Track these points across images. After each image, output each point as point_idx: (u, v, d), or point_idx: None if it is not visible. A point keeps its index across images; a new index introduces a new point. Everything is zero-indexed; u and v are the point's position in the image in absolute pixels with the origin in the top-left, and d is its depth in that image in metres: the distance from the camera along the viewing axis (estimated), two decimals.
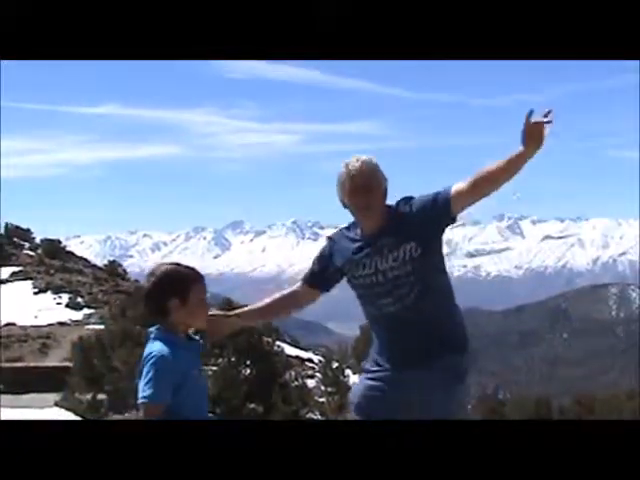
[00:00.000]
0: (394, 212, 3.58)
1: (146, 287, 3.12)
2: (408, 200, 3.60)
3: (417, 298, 3.50)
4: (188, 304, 3.07)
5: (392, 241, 3.50)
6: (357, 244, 3.61)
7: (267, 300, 3.82)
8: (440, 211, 3.51)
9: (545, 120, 3.26)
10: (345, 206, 3.60)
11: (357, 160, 3.53)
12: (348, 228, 3.71)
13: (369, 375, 3.67)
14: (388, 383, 3.56)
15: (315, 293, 3.85)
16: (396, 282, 3.50)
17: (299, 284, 3.84)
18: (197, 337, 3.22)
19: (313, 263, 3.80)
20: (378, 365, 3.63)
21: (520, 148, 3.32)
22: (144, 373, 3.00)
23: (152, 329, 3.11)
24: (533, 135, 3.27)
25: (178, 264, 3.18)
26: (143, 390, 2.98)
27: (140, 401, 2.98)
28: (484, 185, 3.45)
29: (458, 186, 3.48)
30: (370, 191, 3.51)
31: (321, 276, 3.78)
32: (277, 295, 3.84)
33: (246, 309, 3.82)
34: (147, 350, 3.05)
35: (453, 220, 3.54)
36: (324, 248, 3.79)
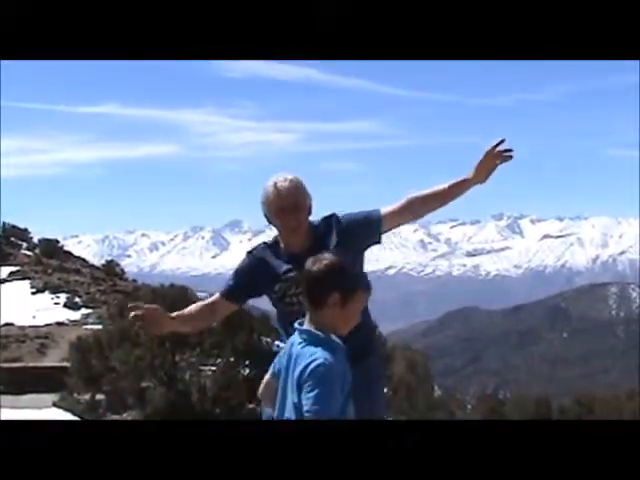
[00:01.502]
0: (318, 230, 3.64)
1: (320, 269, 2.89)
2: (331, 218, 3.67)
3: None
4: (347, 307, 2.89)
5: None
6: (285, 263, 3.62)
7: (191, 308, 3.81)
8: (371, 230, 3.66)
9: (506, 154, 3.58)
10: (270, 222, 3.63)
11: (285, 179, 3.55)
12: (269, 245, 3.72)
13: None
14: None
15: (232, 307, 3.89)
16: None
17: (217, 297, 3.82)
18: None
19: (233, 277, 3.78)
20: None
21: (465, 176, 3.63)
22: (312, 384, 2.73)
23: (302, 327, 2.91)
24: (487, 168, 3.60)
25: None
26: (313, 404, 2.73)
27: (307, 416, 2.75)
28: (417, 208, 3.69)
29: (388, 208, 3.67)
30: (298, 210, 3.55)
31: (241, 291, 3.79)
32: (199, 304, 3.85)
33: (178, 313, 3.78)
34: (310, 355, 2.80)
35: (379, 241, 3.71)
36: (245, 263, 3.77)
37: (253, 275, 3.71)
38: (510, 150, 3.60)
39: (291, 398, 2.86)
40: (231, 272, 3.85)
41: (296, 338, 2.94)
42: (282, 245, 3.67)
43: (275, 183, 3.55)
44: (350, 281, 2.91)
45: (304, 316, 3.04)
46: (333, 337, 2.89)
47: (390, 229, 3.71)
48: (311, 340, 2.86)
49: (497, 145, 3.59)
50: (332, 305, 2.87)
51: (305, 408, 2.73)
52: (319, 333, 2.86)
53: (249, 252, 3.79)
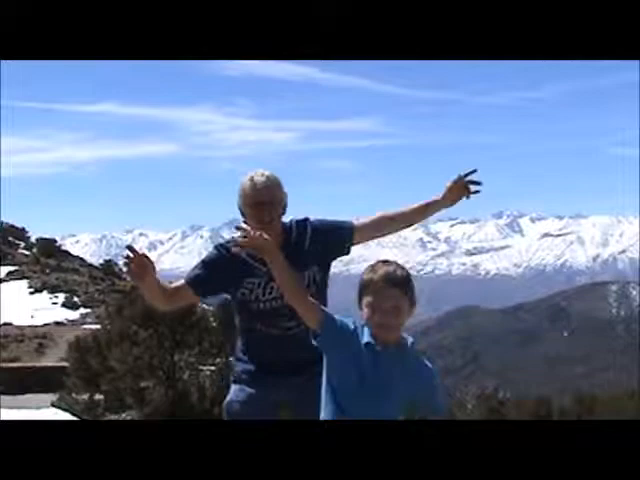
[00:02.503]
0: (290, 231, 3.70)
1: (405, 274, 2.99)
2: (305, 222, 3.74)
3: None
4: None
5: (294, 266, 3.48)
6: (255, 264, 3.61)
7: (163, 283, 3.69)
8: (342, 240, 3.75)
9: (473, 190, 3.73)
10: (244, 217, 3.63)
11: (262, 174, 3.60)
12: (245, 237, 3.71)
13: (245, 382, 3.77)
14: (267, 389, 3.69)
15: (192, 299, 3.86)
16: None
17: (182, 283, 3.76)
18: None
19: (201, 268, 3.73)
20: (255, 374, 3.74)
21: (436, 197, 3.77)
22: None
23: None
24: (458, 193, 3.75)
25: None
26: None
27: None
28: (384, 227, 3.84)
29: (360, 221, 3.80)
30: (273, 205, 3.59)
31: (207, 284, 3.74)
32: (167, 285, 3.75)
33: (158, 283, 3.64)
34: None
35: (348, 252, 3.79)
36: (215, 256, 3.74)
37: (222, 270, 3.67)
38: (479, 183, 3.74)
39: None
40: (198, 261, 3.79)
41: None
42: None
43: (252, 177, 3.59)
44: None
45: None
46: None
47: (358, 243, 3.79)
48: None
49: (468, 174, 3.74)
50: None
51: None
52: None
53: (220, 245, 3.75)
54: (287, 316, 3.62)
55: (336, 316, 3.06)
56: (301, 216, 3.81)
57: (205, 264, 3.73)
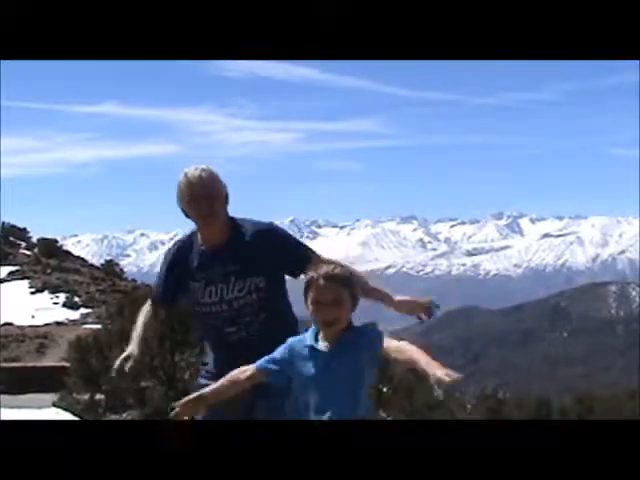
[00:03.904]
0: (242, 228, 3.59)
1: (344, 271, 3.12)
2: (264, 228, 3.60)
3: (261, 325, 3.56)
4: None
5: (239, 270, 3.50)
6: (200, 258, 3.58)
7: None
8: (295, 265, 3.54)
9: (423, 317, 3.65)
10: (187, 215, 3.58)
11: (196, 169, 3.55)
12: (184, 240, 3.68)
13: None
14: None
15: (161, 313, 3.85)
16: (241, 311, 3.54)
17: (148, 306, 3.78)
18: None
19: (166, 277, 3.69)
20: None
21: (390, 298, 3.67)
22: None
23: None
24: (412, 310, 3.65)
25: None
26: None
27: None
28: None
29: (317, 257, 3.59)
30: (212, 199, 3.52)
31: (171, 291, 3.72)
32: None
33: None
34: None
35: (296, 276, 3.57)
36: (166, 261, 3.71)
37: (180, 266, 3.64)
38: (430, 314, 3.66)
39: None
40: (156, 277, 3.77)
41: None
42: (199, 239, 3.62)
43: (186, 173, 3.55)
44: None
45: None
46: None
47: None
48: None
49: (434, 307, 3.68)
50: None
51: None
52: None
53: (168, 249, 3.74)
54: (227, 321, 3.56)
55: (273, 355, 3.17)
56: (268, 220, 3.71)
57: (168, 273, 3.68)
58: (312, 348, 3.05)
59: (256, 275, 3.53)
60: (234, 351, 3.55)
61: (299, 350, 3.09)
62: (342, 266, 3.14)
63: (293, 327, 3.61)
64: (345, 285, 3.06)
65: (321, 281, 3.05)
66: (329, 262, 3.25)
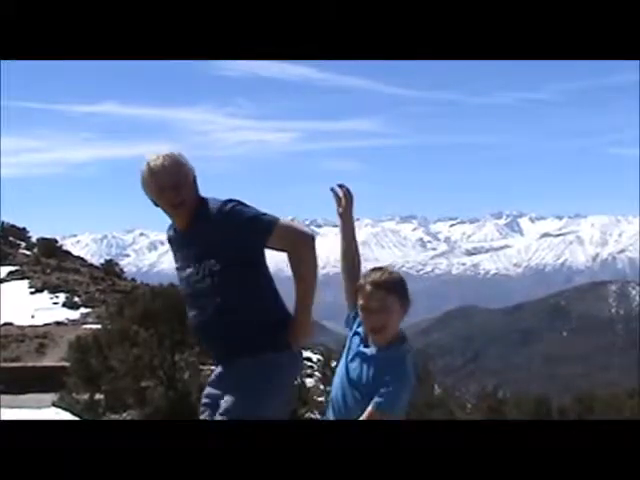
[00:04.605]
0: (209, 210, 3.39)
1: (392, 277, 3.15)
2: (221, 206, 3.37)
3: (216, 309, 3.39)
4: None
5: (196, 253, 3.42)
6: (176, 244, 3.57)
7: None
8: (259, 239, 3.39)
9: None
10: (156, 205, 3.45)
11: (158, 157, 3.37)
12: (171, 225, 3.61)
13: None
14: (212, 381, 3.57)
15: None
16: (199, 294, 3.44)
17: None
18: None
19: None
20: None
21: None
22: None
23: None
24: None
25: None
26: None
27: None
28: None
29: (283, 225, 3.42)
30: (179, 186, 3.35)
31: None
32: None
33: None
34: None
35: (261, 247, 3.43)
36: (169, 243, 3.68)
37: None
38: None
39: None
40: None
41: None
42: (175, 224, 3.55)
43: (148, 163, 3.36)
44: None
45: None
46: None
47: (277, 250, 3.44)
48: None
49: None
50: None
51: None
52: None
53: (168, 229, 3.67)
54: (190, 304, 3.50)
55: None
56: (243, 200, 3.43)
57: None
58: (361, 352, 3.14)
59: (211, 258, 3.38)
60: (197, 334, 3.60)
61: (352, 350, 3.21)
62: (391, 272, 3.16)
63: (262, 312, 3.42)
64: (393, 292, 3.09)
65: (368, 287, 3.09)
66: (378, 269, 3.23)
